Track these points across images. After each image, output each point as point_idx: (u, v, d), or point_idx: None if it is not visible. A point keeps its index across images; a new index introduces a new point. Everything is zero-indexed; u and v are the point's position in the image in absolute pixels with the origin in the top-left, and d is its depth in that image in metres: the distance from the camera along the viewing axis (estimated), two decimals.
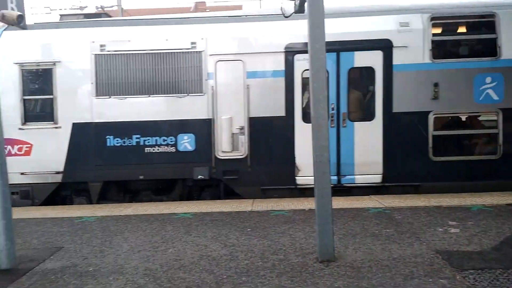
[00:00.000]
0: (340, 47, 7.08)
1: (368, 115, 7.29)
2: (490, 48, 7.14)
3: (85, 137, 7.30)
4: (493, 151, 7.17)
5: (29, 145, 7.30)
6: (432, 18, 7.16)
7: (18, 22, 4.50)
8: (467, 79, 7.08)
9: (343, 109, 7.22)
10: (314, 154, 4.02)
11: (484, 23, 7.31)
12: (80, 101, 7.34)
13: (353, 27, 7.18)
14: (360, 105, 7.43)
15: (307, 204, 6.50)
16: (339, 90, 7.21)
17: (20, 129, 7.28)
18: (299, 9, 5.03)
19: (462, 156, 7.24)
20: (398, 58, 7.09)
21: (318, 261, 4.04)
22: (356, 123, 7.22)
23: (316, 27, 4.00)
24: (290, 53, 7.19)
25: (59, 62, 7.29)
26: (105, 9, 13.36)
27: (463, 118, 7.49)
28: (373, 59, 7.13)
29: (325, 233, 4.03)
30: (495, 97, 7.03)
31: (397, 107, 7.14)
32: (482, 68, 7.07)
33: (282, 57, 7.21)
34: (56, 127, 7.29)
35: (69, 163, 7.28)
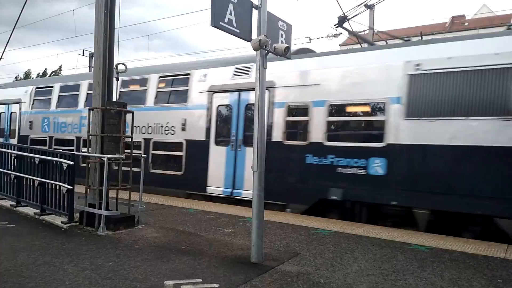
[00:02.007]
0: None
1: None
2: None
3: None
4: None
5: None
6: (36, 88, 14.19)
7: (285, 53, 5.18)
8: (39, 119, 13.61)
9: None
10: None
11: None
12: None
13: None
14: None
15: None
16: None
17: None
18: None
19: None
20: (22, 108, 14.29)
21: None
22: None
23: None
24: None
25: None
26: (359, 33, 13.96)
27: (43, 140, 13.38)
28: (15, 109, 14.82)
29: None
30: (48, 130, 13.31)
31: (22, 133, 14.14)
32: (44, 114, 13.61)
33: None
34: None
35: None
